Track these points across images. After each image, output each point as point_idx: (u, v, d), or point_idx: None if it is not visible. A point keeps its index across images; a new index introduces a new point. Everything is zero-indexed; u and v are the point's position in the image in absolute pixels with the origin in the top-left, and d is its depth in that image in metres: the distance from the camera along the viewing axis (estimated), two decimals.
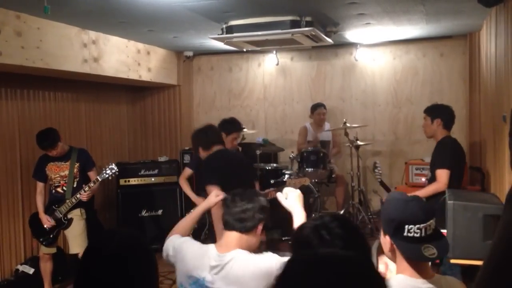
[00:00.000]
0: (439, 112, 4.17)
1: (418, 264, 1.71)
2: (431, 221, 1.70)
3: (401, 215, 1.70)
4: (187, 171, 4.94)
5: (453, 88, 6.24)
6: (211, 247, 2.27)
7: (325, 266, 0.95)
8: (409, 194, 1.82)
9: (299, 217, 2.21)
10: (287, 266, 1.00)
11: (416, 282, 1.69)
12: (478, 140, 5.70)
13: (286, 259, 2.18)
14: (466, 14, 4.67)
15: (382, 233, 1.79)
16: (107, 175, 4.55)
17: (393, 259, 1.78)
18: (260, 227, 2.27)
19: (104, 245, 1.48)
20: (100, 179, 4.53)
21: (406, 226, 1.68)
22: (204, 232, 4.60)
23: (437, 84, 6.31)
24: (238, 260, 2.17)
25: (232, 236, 2.24)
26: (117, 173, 4.62)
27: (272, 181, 5.66)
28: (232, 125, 4.71)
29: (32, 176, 4.78)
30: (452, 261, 2.95)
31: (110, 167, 4.57)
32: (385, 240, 1.77)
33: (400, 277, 1.72)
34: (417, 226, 1.67)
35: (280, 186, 5.05)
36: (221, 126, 4.69)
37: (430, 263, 1.79)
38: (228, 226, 2.26)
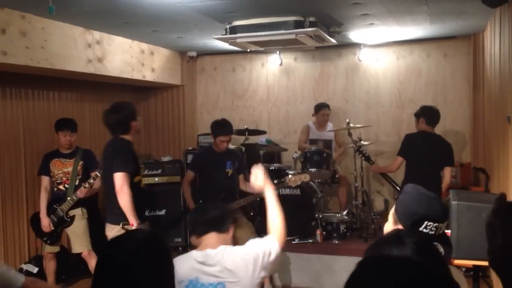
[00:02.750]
0: (422, 112, 4.99)
1: None
2: (446, 222, 1.74)
3: (424, 211, 1.75)
4: (189, 174, 4.91)
5: (457, 89, 6.23)
6: (193, 252, 2.43)
7: (398, 269, 0.94)
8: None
9: (270, 195, 2.47)
10: (359, 266, 0.99)
11: None
12: (482, 141, 5.69)
13: (267, 239, 2.36)
14: (470, 14, 4.66)
15: (392, 221, 1.82)
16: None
17: None
18: (232, 226, 2.55)
19: (117, 252, 1.47)
20: (99, 175, 4.49)
21: (426, 222, 1.72)
22: None
23: (441, 84, 6.30)
24: (226, 252, 2.34)
25: (211, 237, 2.44)
26: None
27: (275, 181, 5.66)
28: (219, 127, 4.72)
29: (37, 173, 4.82)
30: (456, 261, 2.96)
31: None
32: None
33: None
34: (435, 224, 1.72)
35: (280, 184, 5.06)
36: (210, 127, 4.77)
37: None
38: (206, 229, 2.46)
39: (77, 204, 4.63)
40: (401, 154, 4.94)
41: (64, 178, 4.70)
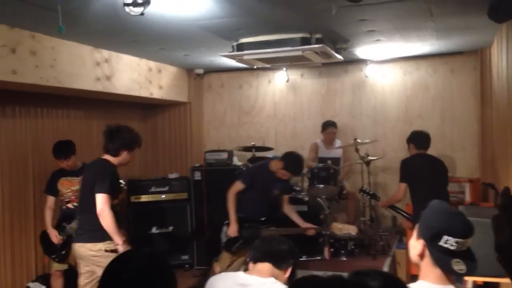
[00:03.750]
0: (411, 138, 5.09)
1: (443, 273, 1.75)
2: (469, 239, 1.73)
3: (442, 225, 1.75)
4: (239, 185, 4.65)
5: (464, 104, 6.21)
6: (240, 272, 2.43)
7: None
8: None
9: None
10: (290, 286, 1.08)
11: None
12: (490, 156, 5.65)
13: None
14: (477, 30, 4.67)
15: (415, 236, 1.82)
16: None
17: (418, 263, 1.82)
18: (290, 269, 2.50)
19: (123, 268, 1.47)
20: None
21: (445, 237, 1.71)
22: (236, 246, 4.58)
23: (448, 100, 6.28)
24: (275, 286, 2.29)
25: (266, 267, 2.41)
26: (125, 187, 4.66)
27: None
28: (293, 166, 4.64)
29: (44, 191, 4.84)
30: (467, 277, 2.92)
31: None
32: (417, 244, 1.81)
33: (423, 283, 1.75)
34: (455, 239, 1.71)
35: (323, 225, 5.02)
36: (282, 157, 4.71)
37: None
38: (264, 258, 2.43)
39: None
40: (404, 179, 4.88)
41: (72, 197, 4.71)
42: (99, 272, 3.72)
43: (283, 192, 4.81)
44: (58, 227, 4.69)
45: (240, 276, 2.35)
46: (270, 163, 4.77)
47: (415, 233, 1.85)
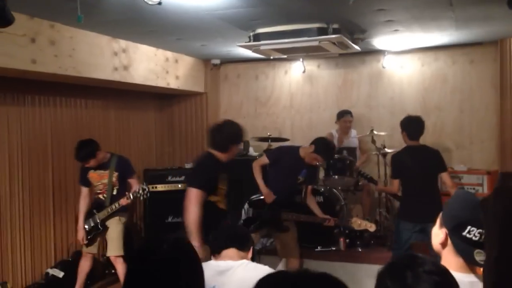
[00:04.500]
0: (404, 125, 4.81)
1: (465, 262, 1.76)
2: None
3: (467, 215, 1.74)
4: (264, 159, 4.76)
5: (483, 96, 6.13)
6: (211, 262, 2.52)
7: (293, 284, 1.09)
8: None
9: None
10: (257, 283, 1.14)
11: (461, 276, 1.70)
12: (509, 148, 5.58)
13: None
14: (497, 20, 4.59)
15: (438, 224, 1.82)
16: (138, 195, 4.64)
17: (440, 251, 1.82)
18: (251, 249, 2.67)
19: (154, 250, 1.50)
20: (131, 197, 4.62)
21: (469, 227, 1.72)
22: (254, 226, 4.63)
23: (467, 91, 6.20)
24: (247, 266, 2.42)
25: (231, 252, 2.54)
26: (148, 194, 4.73)
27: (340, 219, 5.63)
28: (326, 152, 4.65)
29: (78, 182, 4.94)
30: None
31: (142, 187, 4.66)
32: (439, 232, 1.81)
33: None
34: (479, 230, 1.70)
35: (344, 220, 5.03)
36: (313, 142, 4.68)
37: None
38: (227, 244, 2.56)
39: (115, 212, 4.72)
40: (395, 176, 4.76)
41: (103, 189, 4.80)
42: None
43: (307, 181, 4.74)
44: (89, 213, 4.81)
45: (214, 264, 2.45)
46: (300, 149, 4.76)
47: (438, 222, 1.85)
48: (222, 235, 2.64)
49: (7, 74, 4.29)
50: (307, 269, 1.18)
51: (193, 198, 3.53)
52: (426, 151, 4.77)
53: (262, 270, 2.40)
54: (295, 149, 4.80)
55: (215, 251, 2.59)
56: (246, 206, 4.78)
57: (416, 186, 4.61)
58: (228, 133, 3.80)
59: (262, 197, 4.71)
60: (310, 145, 4.66)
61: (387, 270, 1.38)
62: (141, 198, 4.73)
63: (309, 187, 4.82)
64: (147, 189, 4.67)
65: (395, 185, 4.78)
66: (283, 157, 4.72)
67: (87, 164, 4.68)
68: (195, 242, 3.43)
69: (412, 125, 4.80)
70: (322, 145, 4.61)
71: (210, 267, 2.39)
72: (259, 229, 4.69)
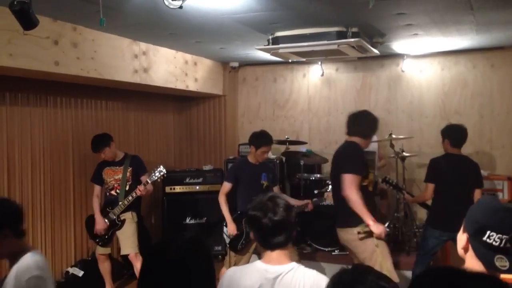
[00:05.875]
0: (447, 133, 4.73)
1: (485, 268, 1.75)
2: None
3: (487, 220, 1.72)
4: (226, 186, 4.76)
5: (504, 100, 6.05)
6: (258, 263, 2.28)
7: None
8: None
9: None
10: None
11: None
12: None
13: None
14: None
15: (462, 229, 1.82)
16: (156, 178, 4.83)
17: (463, 256, 1.82)
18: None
19: (168, 249, 1.52)
20: (150, 181, 4.81)
21: (488, 232, 1.70)
22: (241, 243, 4.63)
23: (488, 96, 6.13)
24: (298, 271, 2.21)
25: (281, 252, 2.28)
26: (165, 175, 4.87)
27: (316, 191, 5.65)
28: (262, 139, 4.72)
29: (90, 179, 5.09)
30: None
31: (158, 169, 4.84)
32: (462, 237, 1.81)
33: None
34: (499, 235, 1.69)
35: (319, 199, 5.05)
36: (250, 140, 4.77)
37: None
38: (277, 245, 2.29)
39: (128, 208, 4.86)
40: (430, 180, 4.65)
41: (115, 185, 4.95)
42: (359, 258, 3.79)
43: (271, 182, 4.81)
44: (102, 212, 4.92)
45: (262, 267, 2.24)
46: (247, 156, 4.86)
47: (462, 227, 1.86)
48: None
49: (31, 75, 4.39)
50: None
51: (352, 183, 3.66)
52: (466, 162, 4.67)
53: (312, 277, 2.22)
54: (244, 159, 4.93)
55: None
56: (224, 229, 4.72)
57: (451, 196, 4.50)
58: (371, 122, 4.00)
59: (238, 213, 4.70)
60: (250, 147, 4.78)
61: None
62: (158, 180, 4.88)
63: (275, 188, 4.86)
64: (163, 171, 4.81)
65: (428, 191, 4.65)
66: (239, 172, 4.79)
67: (102, 154, 4.87)
68: (369, 221, 3.60)
69: (456, 133, 4.71)
70: (252, 137, 4.74)
71: (258, 271, 2.25)
72: (247, 245, 4.64)
